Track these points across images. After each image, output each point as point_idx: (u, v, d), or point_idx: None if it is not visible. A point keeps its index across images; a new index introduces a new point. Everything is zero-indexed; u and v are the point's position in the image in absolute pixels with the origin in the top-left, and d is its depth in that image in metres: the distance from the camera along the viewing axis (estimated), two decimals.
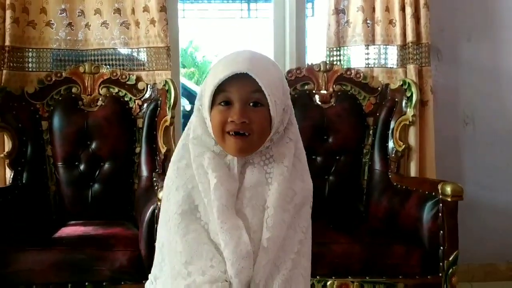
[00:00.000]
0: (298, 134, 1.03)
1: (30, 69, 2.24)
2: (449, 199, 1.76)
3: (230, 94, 0.94)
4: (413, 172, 2.29)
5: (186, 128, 1.05)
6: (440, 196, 1.79)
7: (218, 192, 0.94)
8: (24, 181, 2.10)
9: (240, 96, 0.94)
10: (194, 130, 1.01)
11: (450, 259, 1.77)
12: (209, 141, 0.99)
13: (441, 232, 1.78)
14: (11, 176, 2.09)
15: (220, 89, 0.94)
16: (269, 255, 0.93)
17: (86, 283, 1.70)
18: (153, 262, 1.07)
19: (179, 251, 0.93)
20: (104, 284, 1.71)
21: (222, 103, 0.95)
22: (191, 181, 0.98)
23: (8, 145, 2.11)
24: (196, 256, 0.92)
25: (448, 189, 1.77)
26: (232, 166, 0.98)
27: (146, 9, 2.26)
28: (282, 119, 0.98)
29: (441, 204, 1.78)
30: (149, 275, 1.09)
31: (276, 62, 1.04)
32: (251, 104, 0.95)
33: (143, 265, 1.68)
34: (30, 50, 2.24)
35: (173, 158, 1.03)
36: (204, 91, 0.99)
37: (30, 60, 2.24)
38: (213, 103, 0.96)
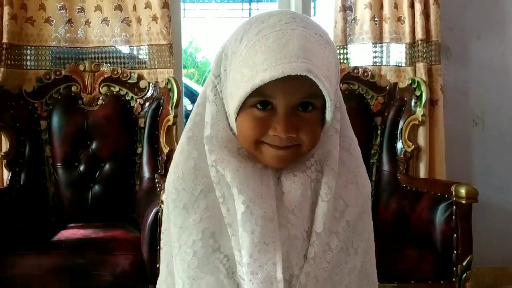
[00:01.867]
0: (347, 119, 0.77)
1: (28, 67, 2.18)
2: (463, 202, 1.70)
3: (273, 100, 0.67)
4: (422, 173, 2.23)
5: (197, 115, 0.75)
6: (454, 198, 1.73)
7: (249, 224, 0.66)
8: (22, 182, 2.04)
9: (288, 103, 0.66)
10: (212, 124, 0.72)
11: (464, 263, 1.71)
12: (235, 143, 0.71)
13: (455, 235, 1.72)
14: (9, 177, 2.03)
15: (256, 91, 0.65)
16: None
17: None
18: (158, 284, 0.82)
19: None
20: None
21: (259, 105, 0.67)
22: (205, 195, 0.71)
23: (5, 145, 2.05)
24: None
25: (463, 191, 1.71)
26: (266, 177, 0.70)
27: (148, 6, 2.20)
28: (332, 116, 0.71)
29: (454, 207, 1.73)
30: None
31: (327, 34, 0.71)
32: (299, 108, 0.67)
33: (145, 269, 1.63)
34: (29, 47, 2.18)
35: (175, 158, 0.76)
36: (228, 79, 0.70)
37: (28, 58, 2.18)
38: (243, 102, 0.68)
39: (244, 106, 0.68)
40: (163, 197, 1.54)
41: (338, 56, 0.76)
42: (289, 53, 0.63)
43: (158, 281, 0.82)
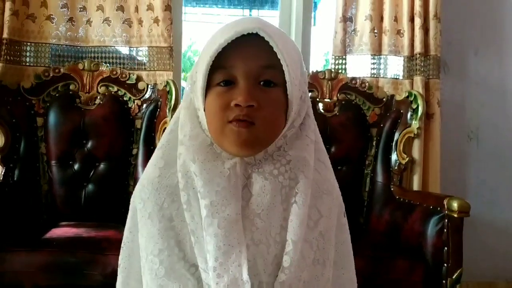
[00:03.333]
0: (317, 130, 0.77)
1: (27, 64, 2.18)
2: (455, 215, 1.72)
3: (234, 70, 0.68)
4: (415, 185, 2.25)
5: (168, 129, 0.78)
6: (446, 212, 1.74)
7: (212, 228, 0.66)
8: (15, 179, 2.03)
9: (247, 72, 0.68)
10: (181, 127, 0.73)
11: (454, 276, 1.72)
12: (203, 139, 0.72)
13: (445, 248, 1.73)
14: (2, 173, 2.02)
15: (219, 64, 0.68)
16: None
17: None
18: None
19: None
20: None
21: (222, 83, 0.69)
22: (169, 204, 0.71)
23: (0, 141, 2.04)
24: None
25: (455, 205, 1.72)
26: (234, 176, 0.69)
27: (150, 8, 2.20)
28: (299, 109, 0.72)
29: (446, 220, 1.74)
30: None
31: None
32: (261, 83, 0.69)
33: None
34: (29, 44, 2.17)
35: (146, 169, 0.76)
36: (197, 72, 0.72)
37: (28, 54, 2.18)
38: (208, 86, 0.70)
39: (210, 88, 0.70)
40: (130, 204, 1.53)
41: (301, 56, 0.76)
42: (244, 22, 0.68)
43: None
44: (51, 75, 2.16)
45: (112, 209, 2.10)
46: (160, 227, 0.70)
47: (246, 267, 0.66)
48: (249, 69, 0.68)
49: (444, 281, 1.73)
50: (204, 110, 0.71)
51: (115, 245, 1.70)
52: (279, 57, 0.67)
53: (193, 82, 0.74)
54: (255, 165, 0.71)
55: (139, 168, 2.13)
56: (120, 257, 0.80)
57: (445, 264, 1.73)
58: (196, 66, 0.74)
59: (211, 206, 0.67)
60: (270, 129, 0.70)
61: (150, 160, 0.76)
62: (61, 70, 2.17)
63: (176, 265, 0.69)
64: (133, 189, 2.19)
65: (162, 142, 0.76)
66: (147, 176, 0.75)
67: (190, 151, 0.71)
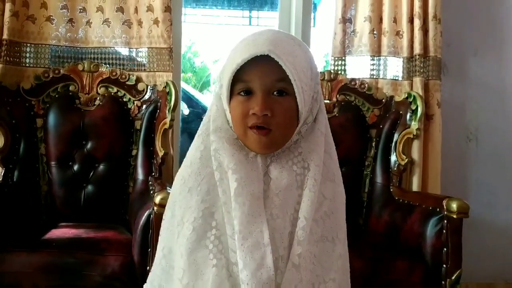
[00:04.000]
0: (328, 124, 0.88)
1: (27, 65, 2.18)
2: (454, 216, 1.72)
3: (251, 84, 0.81)
4: (415, 186, 2.25)
5: (206, 117, 0.90)
6: (445, 213, 1.74)
7: (240, 198, 0.79)
8: (15, 179, 2.03)
9: (262, 85, 0.80)
10: (214, 120, 0.86)
11: (453, 277, 1.72)
12: (231, 134, 0.85)
13: (445, 249, 1.73)
14: (2, 174, 2.02)
15: (239, 77, 0.81)
16: (301, 273, 0.78)
17: None
18: (153, 268, 0.91)
19: (182, 269, 0.81)
20: None
21: (242, 93, 0.82)
22: (207, 181, 0.83)
23: (0, 142, 2.04)
24: (201, 280, 0.79)
25: (454, 206, 1.72)
26: (256, 164, 0.83)
27: (150, 9, 2.21)
28: (311, 108, 0.84)
29: (445, 221, 1.74)
30: (146, 284, 0.93)
31: (303, 42, 0.87)
32: (275, 93, 0.81)
33: (135, 272, 1.62)
34: (28, 45, 2.17)
35: (188, 153, 0.90)
36: (223, 79, 0.85)
37: (27, 55, 2.18)
38: (232, 92, 0.83)
39: (233, 96, 0.83)
40: (157, 200, 1.54)
41: (314, 61, 0.87)
42: (257, 42, 0.80)
43: (153, 264, 0.91)
44: (51, 76, 2.16)
45: (112, 210, 2.11)
46: (198, 199, 0.82)
47: (267, 233, 0.77)
48: (263, 83, 0.80)
49: (443, 282, 1.73)
50: (230, 112, 0.84)
51: (114, 246, 1.71)
52: (287, 73, 0.78)
53: (220, 85, 0.86)
54: (273, 156, 0.84)
55: (139, 169, 2.13)
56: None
57: (444, 265, 1.73)
58: (221, 73, 0.86)
59: (241, 179, 0.80)
60: (284, 133, 0.82)
61: (192, 145, 0.89)
62: (61, 71, 2.18)
63: (207, 233, 0.80)
64: (133, 190, 2.20)
65: (201, 129, 0.89)
66: (190, 157, 0.87)
67: (222, 141, 0.84)
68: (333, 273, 0.81)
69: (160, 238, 0.90)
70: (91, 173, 2.11)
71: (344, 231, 0.87)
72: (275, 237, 0.79)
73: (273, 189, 0.81)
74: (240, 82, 0.81)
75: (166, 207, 0.90)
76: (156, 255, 0.90)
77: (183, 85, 5.69)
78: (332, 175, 0.86)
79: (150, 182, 1.99)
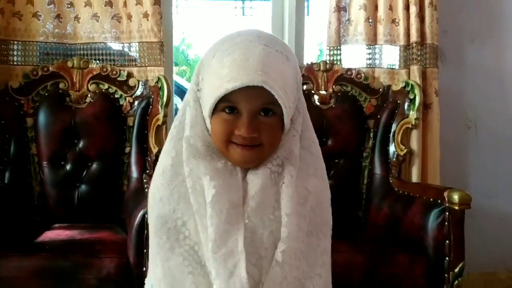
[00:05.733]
0: (309, 122, 0.88)
1: (15, 63, 2.12)
2: (456, 207, 1.68)
3: (238, 105, 0.78)
4: (414, 177, 2.21)
5: (176, 120, 0.86)
6: (447, 204, 1.71)
7: (218, 205, 0.77)
8: (6, 181, 1.99)
9: (249, 108, 0.78)
10: (191, 126, 0.83)
11: (456, 270, 1.69)
12: (209, 142, 0.82)
13: (447, 242, 1.70)
14: None
15: (225, 98, 0.77)
16: (285, 270, 0.77)
17: None
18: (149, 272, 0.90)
19: (159, 279, 0.80)
20: None
21: (227, 110, 0.79)
22: (178, 189, 0.81)
23: None
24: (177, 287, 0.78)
25: (456, 197, 1.69)
26: (235, 172, 0.81)
27: (139, 2, 2.15)
28: (292, 117, 0.83)
29: (447, 213, 1.70)
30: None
31: (288, 47, 0.85)
32: (261, 113, 0.79)
33: (131, 273, 1.58)
34: (16, 42, 2.12)
35: (160, 158, 0.87)
36: (203, 87, 0.82)
37: (15, 53, 2.12)
38: (214, 107, 0.80)
39: (216, 110, 0.80)
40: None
41: (299, 69, 0.86)
42: (249, 67, 0.75)
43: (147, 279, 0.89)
44: (39, 74, 2.11)
45: (107, 210, 2.07)
46: (169, 209, 0.81)
47: (242, 241, 0.76)
48: (251, 107, 0.78)
49: (446, 275, 1.70)
50: (210, 122, 0.81)
51: (110, 247, 1.67)
52: (279, 102, 0.77)
53: (200, 88, 0.83)
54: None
55: (133, 166, 2.09)
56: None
57: (447, 258, 1.70)
58: (202, 74, 0.83)
59: (219, 186, 0.78)
60: (272, 148, 0.82)
61: (162, 151, 0.87)
62: (50, 68, 2.12)
63: (180, 244, 0.79)
64: (127, 188, 2.16)
65: (172, 133, 0.86)
66: (162, 164, 0.85)
67: (198, 150, 0.81)
68: (319, 269, 0.81)
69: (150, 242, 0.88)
70: (84, 172, 2.07)
71: (329, 225, 0.86)
72: (254, 240, 0.78)
73: (249, 192, 0.80)
74: (224, 101, 0.78)
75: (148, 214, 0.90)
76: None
77: (177, 79, 5.64)
78: (314, 170, 0.86)
79: (144, 180, 1.94)
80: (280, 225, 0.78)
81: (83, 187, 2.06)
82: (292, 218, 0.78)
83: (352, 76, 2.29)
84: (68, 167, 2.07)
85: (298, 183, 0.81)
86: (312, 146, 0.87)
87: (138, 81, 2.16)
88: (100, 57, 2.19)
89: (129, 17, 2.17)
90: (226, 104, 0.78)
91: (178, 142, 0.83)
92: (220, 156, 0.82)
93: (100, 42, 2.19)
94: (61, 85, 2.12)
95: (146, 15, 2.14)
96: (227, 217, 0.76)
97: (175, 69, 2.38)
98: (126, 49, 2.22)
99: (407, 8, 2.26)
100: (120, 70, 2.16)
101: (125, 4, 2.17)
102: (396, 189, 2.09)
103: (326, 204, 0.87)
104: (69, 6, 2.16)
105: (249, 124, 0.78)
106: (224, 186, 0.78)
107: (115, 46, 2.23)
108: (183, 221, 0.80)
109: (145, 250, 1.55)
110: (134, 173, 2.07)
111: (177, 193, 0.81)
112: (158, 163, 0.87)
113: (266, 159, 0.82)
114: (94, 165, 2.08)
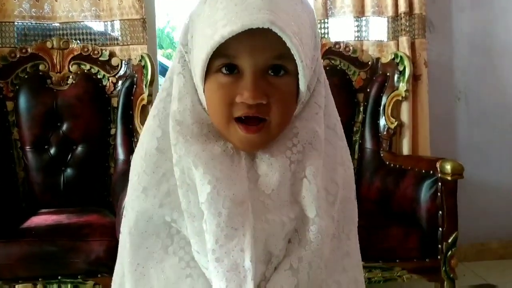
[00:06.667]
0: (330, 95, 0.70)
1: None
2: (448, 178, 1.67)
3: (238, 60, 0.59)
4: (405, 150, 2.19)
5: (163, 91, 0.67)
6: (439, 175, 1.69)
7: (214, 206, 0.59)
8: None
9: (254, 64, 0.58)
10: (179, 98, 0.64)
11: (449, 240, 1.69)
12: (204, 118, 0.64)
13: (440, 212, 1.69)
14: None
15: (220, 50, 0.57)
16: (298, 278, 0.61)
17: (59, 277, 1.57)
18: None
19: (151, 286, 0.64)
20: (79, 277, 1.58)
21: (224, 70, 0.60)
22: (167, 179, 0.64)
23: None
24: None
25: (448, 167, 1.67)
26: (237, 157, 0.63)
27: None
28: (309, 84, 0.63)
29: (440, 183, 1.69)
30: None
31: None
32: (270, 71, 0.59)
33: None
34: None
35: (141, 138, 0.69)
36: (194, 43, 0.63)
37: None
38: (208, 68, 0.60)
39: (210, 72, 0.60)
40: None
41: (317, 22, 0.66)
42: (251, 5, 0.56)
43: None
44: (18, 55, 2.04)
45: (94, 193, 2.03)
46: (154, 203, 0.64)
47: (249, 253, 0.59)
48: (256, 62, 0.59)
49: (439, 246, 1.69)
50: (204, 91, 0.63)
51: (98, 230, 1.64)
52: (292, 52, 0.57)
53: (189, 50, 0.64)
54: None
55: (119, 148, 2.05)
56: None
57: (440, 229, 1.69)
58: (191, 29, 0.64)
59: (216, 182, 0.60)
60: (283, 124, 0.62)
61: (144, 128, 0.68)
62: (29, 50, 2.05)
63: (174, 237, 0.64)
64: (114, 171, 2.10)
65: (157, 107, 0.67)
66: (144, 147, 0.66)
67: (189, 128, 0.63)
68: (337, 275, 0.66)
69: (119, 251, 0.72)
70: (69, 156, 2.02)
71: (354, 223, 0.71)
72: (269, 243, 0.62)
73: (263, 189, 0.62)
74: (220, 55, 0.59)
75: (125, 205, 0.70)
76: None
77: (163, 60, 5.55)
78: (341, 157, 0.68)
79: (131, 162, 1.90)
80: (300, 224, 0.63)
81: (68, 171, 2.01)
82: (316, 222, 0.62)
83: (341, 50, 2.25)
84: (52, 151, 2.01)
85: (324, 174, 0.64)
86: (337, 125, 0.69)
87: (121, 60, 2.10)
88: (81, 37, 2.12)
89: None
90: (223, 62, 0.59)
91: (165, 119, 0.65)
92: (218, 136, 0.63)
93: (79, 21, 2.12)
94: (41, 67, 2.06)
95: None
96: (229, 220, 0.59)
97: (160, 52, 2.32)
98: (107, 28, 2.15)
99: None
100: (101, 50, 2.10)
101: None
102: (387, 163, 2.07)
103: (351, 199, 0.70)
104: None
105: (254, 86, 0.58)
106: (223, 180, 0.60)
107: (96, 25, 2.16)
108: (173, 218, 0.64)
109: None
110: (121, 155, 2.03)
111: (165, 184, 0.64)
112: (139, 143, 0.68)
113: (280, 140, 0.63)
114: (79, 148, 2.03)
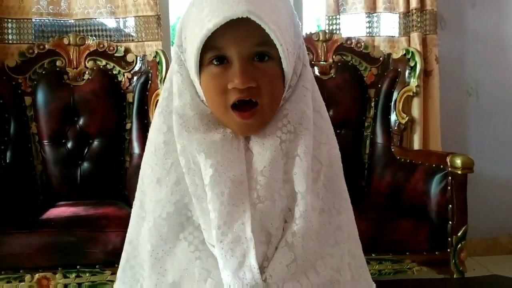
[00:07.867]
0: (314, 79, 0.75)
1: (10, 41, 2.10)
2: (459, 172, 1.69)
3: (226, 50, 0.66)
4: (416, 145, 2.21)
5: (165, 91, 0.75)
6: (449, 169, 1.71)
7: (217, 187, 0.66)
8: (8, 161, 1.98)
9: (239, 52, 0.66)
10: (180, 94, 0.71)
11: (459, 234, 1.70)
12: (202, 109, 0.71)
13: (450, 206, 1.71)
14: None
15: (208, 43, 0.65)
16: (295, 252, 0.67)
17: (78, 266, 1.61)
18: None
19: (165, 269, 0.70)
20: (97, 266, 1.62)
21: (215, 61, 0.67)
22: (175, 169, 0.70)
23: None
24: (187, 277, 0.68)
25: (458, 162, 1.69)
26: (236, 141, 0.70)
27: None
28: (295, 66, 0.71)
29: (450, 177, 1.71)
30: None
31: None
32: (255, 58, 0.67)
33: None
34: (10, 20, 2.09)
35: (149, 135, 0.76)
36: (187, 42, 0.69)
37: (10, 31, 2.10)
38: (201, 62, 0.67)
39: (203, 66, 0.68)
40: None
41: (294, 11, 0.73)
42: (231, 0, 0.63)
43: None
44: (36, 52, 2.09)
45: (110, 186, 2.07)
46: (167, 191, 0.71)
47: (249, 225, 0.66)
48: (241, 50, 0.66)
49: (449, 239, 1.71)
50: (200, 84, 0.69)
51: (115, 222, 1.67)
52: (272, 37, 0.64)
53: (184, 49, 0.71)
54: None
55: (134, 143, 2.09)
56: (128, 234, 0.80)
57: (450, 222, 1.71)
58: (184, 30, 0.71)
59: (217, 164, 0.67)
60: (274, 105, 0.69)
61: (152, 126, 0.75)
62: (46, 46, 2.10)
63: (184, 224, 0.70)
64: (130, 165, 2.14)
65: (161, 106, 0.74)
66: (153, 142, 0.74)
67: (190, 120, 0.70)
68: (330, 248, 0.71)
69: (129, 227, 0.79)
70: (86, 150, 2.07)
71: (344, 198, 0.75)
72: (263, 220, 0.68)
73: (256, 167, 0.69)
74: (210, 49, 0.66)
75: (136, 191, 0.77)
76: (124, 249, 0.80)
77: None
78: (326, 137, 0.74)
79: None
80: (291, 202, 0.68)
81: (85, 164, 2.06)
82: (306, 197, 0.68)
83: (352, 46, 2.27)
84: (69, 145, 2.06)
85: (313, 154, 0.70)
86: (322, 108, 0.75)
87: (136, 56, 2.14)
88: (97, 33, 2.17)
89: None
90: (213, 54, 0.66)
91: (169, 116, 0.72)
92: (218, 124, 0.70)
93: (95, 18, 2.16)
94: (58, 63, 2.10)
95: None
96: (230, 198, 0.66)
97: (171, 44, 2.34)
98: (122, 24, 2.20)
99: None
100: (117, 46, 2.14)
101: None
102: (398, 157, 2.09)
103: (339, 175, 0.76)
104: None
105: (242, 71, 0.65)
106: (224, 163, 0.67)
107: (111, 21, 2.20)
108: (184, 203, 0.70)
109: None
110: (136, 149, 2.07)
111: (174, 173, 0.70)
112: (148, 141, 0.75)
113: (271, 122, 0.70)
114: (95, 142, 2.07)
